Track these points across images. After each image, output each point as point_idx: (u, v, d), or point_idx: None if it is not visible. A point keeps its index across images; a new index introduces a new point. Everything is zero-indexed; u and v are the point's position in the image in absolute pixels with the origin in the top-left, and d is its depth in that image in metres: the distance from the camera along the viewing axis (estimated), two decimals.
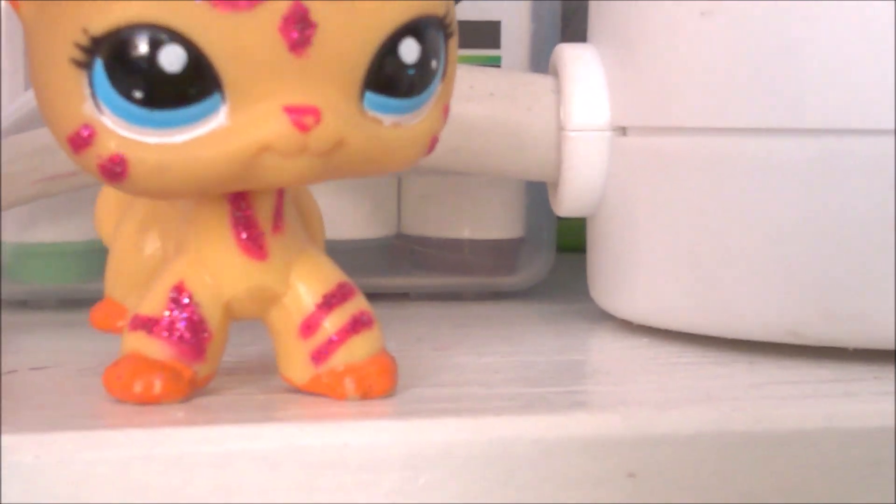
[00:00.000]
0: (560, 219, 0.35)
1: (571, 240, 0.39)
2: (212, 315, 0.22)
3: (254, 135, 0.20)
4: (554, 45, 0.31)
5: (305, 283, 0.23)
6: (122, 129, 0.20)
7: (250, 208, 0.22)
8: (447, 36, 0.22)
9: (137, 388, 0.22)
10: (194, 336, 0.22)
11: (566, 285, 0.35)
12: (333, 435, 0.21)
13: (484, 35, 0.34)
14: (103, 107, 0.20)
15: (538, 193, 0.34)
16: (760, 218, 0.26)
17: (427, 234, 0.34)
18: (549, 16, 0.34)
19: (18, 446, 0.20)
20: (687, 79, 0.27)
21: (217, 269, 0.22)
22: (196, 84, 0.20)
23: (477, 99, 0.29)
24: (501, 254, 0.35)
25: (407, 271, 0.35)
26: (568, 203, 0.30)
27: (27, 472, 0.20)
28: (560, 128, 0.29)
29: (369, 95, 0.21)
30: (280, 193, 0.23)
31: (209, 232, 0.22)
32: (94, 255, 0.33)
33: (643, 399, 0.23)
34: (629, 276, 0.29)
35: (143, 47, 0.20)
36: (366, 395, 0.22)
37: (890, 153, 0.25)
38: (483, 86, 0.30)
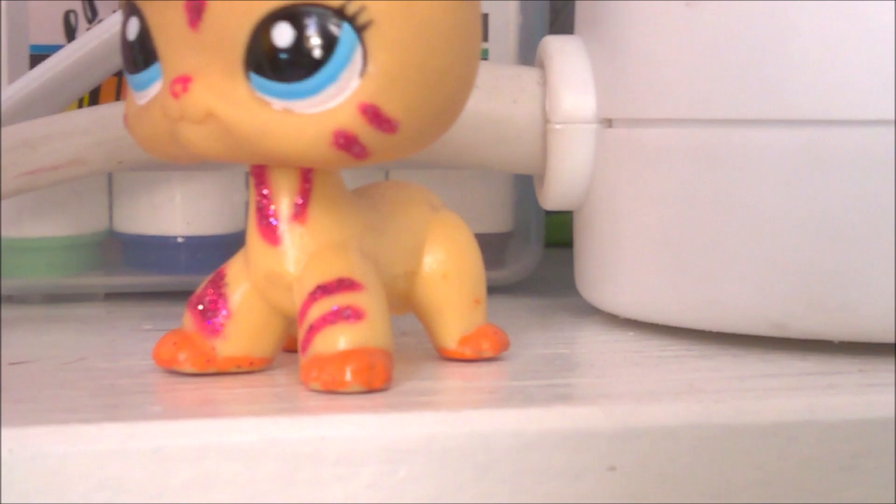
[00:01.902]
0: (548, 214, 0.35)
1: (560, 235, 0.39)
2: (235, 296, 0.24)
3: (160, 100, 0.22)
4: (542, 36, 0.31)
5: (309, 272, 0.23)
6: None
7: (269, 192, 0.23)
8: (359, 29, 0.21)
9: (160, 354, 0.24)
10: (210, 312, 0.24)
11: (554, 280, 0.35)
12: (311, 428, 0.21)
13: None
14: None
15: (526, 188, 0.34)
16: (745, 210, 0.26)
17: None
18: (536, 9, 0.34)
19: None
20: (672, 70, 0.27)
21: (248, 254, 0.24)
22: (142, 52, 0.23)
23: None
24: (490, 248, 0.35)
25: None
26: (554, 196, 0.30)
27: (2, 466, 0.20)
28: (546, 120, 0.29)
29: (253, 76, 0.22)
30: (304, 182, 0.23)
31: (249, 217, 0.24)
32: (79, 250, 0.33)
33: (625, 392, 0.23)
34: (615, 269, 0.29)
35: (126, 18, 0.23)
36: (328, 387, 0.22)
37: (875, 143, 0.25)
38: None
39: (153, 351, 0.24)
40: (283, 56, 0.21)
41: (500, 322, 0.26)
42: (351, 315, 0.22)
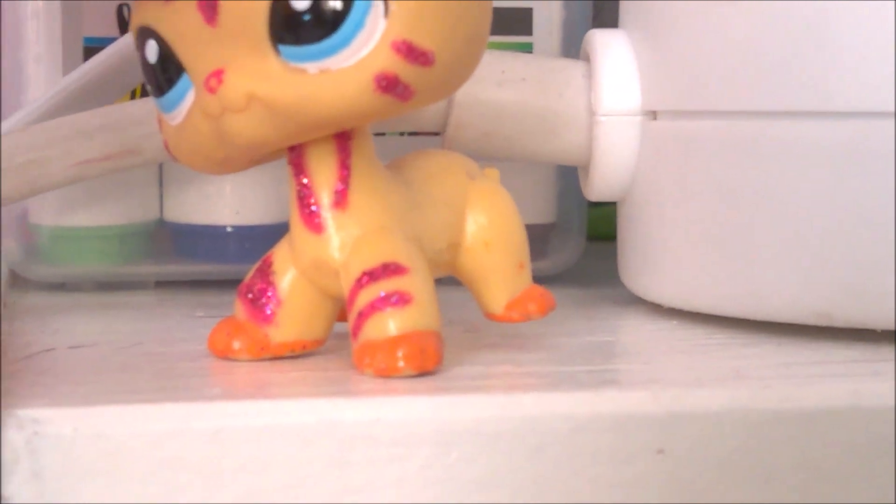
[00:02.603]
0: (591, 207, 0.36)
1: (603, 228, 0.40)
2: (283, 283, 0.24)
3: (199, 105, 0.23)
4: (585, 31, 0.31)
5: (355, 259, 0.23)
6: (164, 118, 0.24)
7: (309, 180, 0.23)
8: None
9: (216, 343, 0.24)
10: (260, 300, 0.24)
11: (597, 271, 0.35)
12: (366, 410, 0.21)
13: (516, 22, 0.34)
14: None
15: (569, 179, 0.35)
16: (789, 200, 0.26)
17: None
18: (580, 2, 0.34)
19: (56, 420, 0.20)
20: (716, 62, 0.27)
21: (294, 242, 0.24)
22: (166, 70, 0.23)
23: (508, 84, 0.30)
24: (533, 239, 0.35)
25: None
26: (599, 187, 0.30)
27: (66, 444, 0.20)
28: (591, 112, 0.30)
29: (282, 48, 0.22)
30: (342, 168, 0.23)
31: (291, 207, 0.24)
32: (130, 239, 0.34)
33: (672, 377, 0.23)
34: (658, 259, 0.29)
35: (141, 44, 0.24)
36: (381, 374, 0.22)
37: None
38: (515, 71, 0.30)
39: (208, 340, 0.25)
40: (306, 18, 0.22)
41: None
42: (399, 300, 0.23)
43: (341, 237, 0.23)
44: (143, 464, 0.21)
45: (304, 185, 0.23)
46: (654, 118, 0.29)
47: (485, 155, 0.31)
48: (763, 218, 0.26)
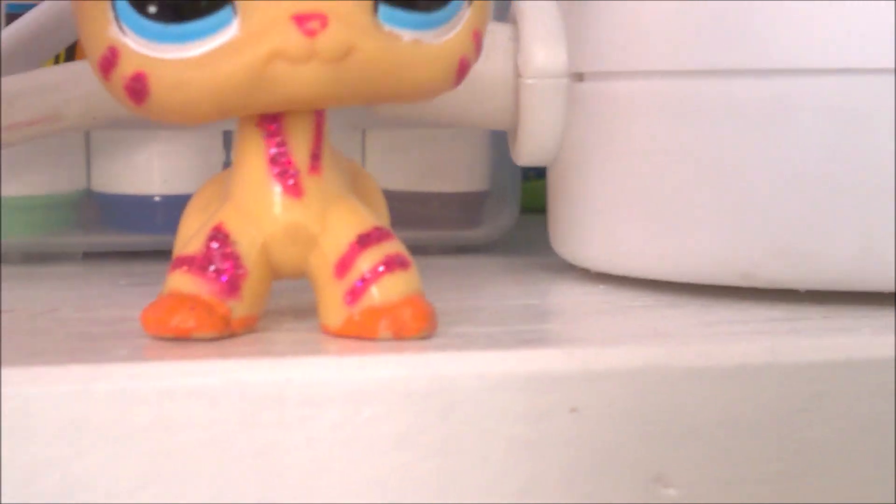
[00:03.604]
0: (525, 180, 0.35)
1: (538, 200, 0.39)
2: (248, 253, 0.23)
3: (264, 43, 0.21)
4: None
5: (340, 223, 0.23)
6: (143, 48, 0.21)
7: (285, 145, 0.23)
8: None
9: (173, 322, 0.22)
10: (228, 272, 0.22)
11: (531, 241, 0.35)
12: (275, 371, 0.21)
13: None
14: (126, 28, 0.21)
15: (503, 148, 0.34)
16: (713, 161, 0.26)
17: (391, 188, 0.34)
18: None
19: None
20: (641, 23, 0.27)
21: (256, 208, 0.23)
22: None
23: None
24: (466, 207, 0.35)
25: None
26: (527, 151, 0.30)
27: None
28: (518, 75, 0.29)
29: (384, 8, 0.21)
30: (318, 135, 0.23)
31: (249, 172, 0.23)
32: (56, 209, 0.33)
33: (590, 337, 0.23)
34: (587, 223, 0.29)
35: None
36: (399, 335, 0.22)
37: (844, 93, 0.25)
38: None
39: (148, 320, 0.22)
40: None
41: (473, 279, 0.26)
42: (403, 262, 0.23)
43: (320, 202, 0.23)
44: (48, 425, 0.20)
45: (282, 150, 0.23)
46: (581, 80, 0.29)
47: (413, 122, 0.31)
48: (687, 179, 0.26)
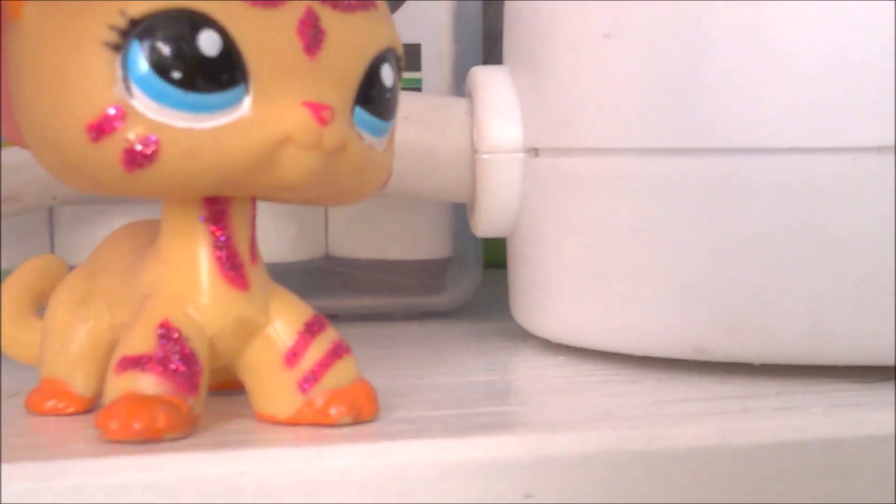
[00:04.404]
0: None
1: (502, 257, 0.40)
2: (200, 349, 0.22)
3: (277, 125, 0.21)
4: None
5: (285, 313, 0.23)
6: (153, 113, 0.20)
7: (231, 238, 0.22)
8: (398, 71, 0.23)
9: (138, 424, 0.21)
10: (189, 369, 0.22)
11: (493, 303, 0.35)
12: (228, 464, 0.21)
13: (405, 58, 0.34)
14: (135, 89, 0.20)
15: (464, 214, 0.35)
16: (664, 236, 0.26)
17: (355, 256, 0.35)
18: (470, 38, 0.34)
19: None
20: (593, 100, 0.27)
21: (201, 303, 0.22)
22: (228, 70, 0.21)
23: None
24: (429, 274, 0.35)
25: (336, 293, 0.35)
26: (485, 224, 0.30)
27: None
28: (474, 150, 0.30)
29: (358, 111, 0.22)
30: (254, 223, 0.23)
31: (189, 264, 0.22)
32: None
33: (544, 420, 0.23)
34: (545, 295, 0.29)
35: (186, 30, 0.20)
36: (357, 419, 0.23)
37: (793, 171, 0.25)
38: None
39: (104, 425, 0.21)
40: (388, 95, 0.23)
41: (434, 349, 0.26)
42: (347, 348, 0.23)
43: (262, 293, 0.23)
44: None
45: (228, 241, 0.22)
46: (536, 155, 0.29)
47: None
48: (640, 254, 0.27)
